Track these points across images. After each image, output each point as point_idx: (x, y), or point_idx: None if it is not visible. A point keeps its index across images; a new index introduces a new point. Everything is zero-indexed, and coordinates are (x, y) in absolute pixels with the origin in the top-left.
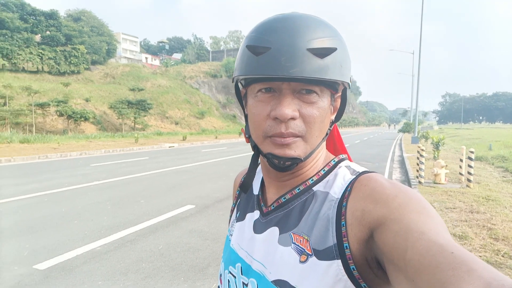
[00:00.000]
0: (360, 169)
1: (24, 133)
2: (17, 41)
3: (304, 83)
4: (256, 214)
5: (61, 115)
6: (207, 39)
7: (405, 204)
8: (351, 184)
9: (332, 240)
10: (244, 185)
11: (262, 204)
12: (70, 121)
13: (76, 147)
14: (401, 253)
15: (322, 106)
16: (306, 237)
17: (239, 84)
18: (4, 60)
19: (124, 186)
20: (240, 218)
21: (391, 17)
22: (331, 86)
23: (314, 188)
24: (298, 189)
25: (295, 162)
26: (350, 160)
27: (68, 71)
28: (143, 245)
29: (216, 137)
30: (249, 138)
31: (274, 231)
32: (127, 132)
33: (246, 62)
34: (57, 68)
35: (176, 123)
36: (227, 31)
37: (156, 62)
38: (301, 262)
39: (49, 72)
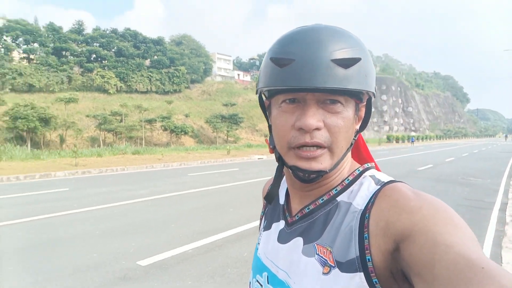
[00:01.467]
0: (386, 178)
1: (136, 146)
2: (131, 66)
3: (329, 93)
4: (281, 224)
5: (165, 129)
6: None
7: (431, 215)
8: (375, 195)
9: (355, 252)
10: (269, 196)
11: (287, 214)
12: (172, 135)
13: (177, 158)
14: (429, 267)
15: (346, 116)
16: (329, 249)
17: (263, 96)
18: (121, 83)
19: (216, 195)
20: (267, 227)
21: (500, 16)
22: (356, 95)
23: (338, 199)
24: (322, 200)
25: (320, 175)
26: (377, 169)
27: (171, 90)
28: (229, 251)
29: None
30: (273, 149)
31: (298, 241)
32: (221, 145)
33: (270, 74)
34: (162, 88)
35: (266, 136)
36: None
37: (247, 78)
38: (324, 273)
39: (156, 92)
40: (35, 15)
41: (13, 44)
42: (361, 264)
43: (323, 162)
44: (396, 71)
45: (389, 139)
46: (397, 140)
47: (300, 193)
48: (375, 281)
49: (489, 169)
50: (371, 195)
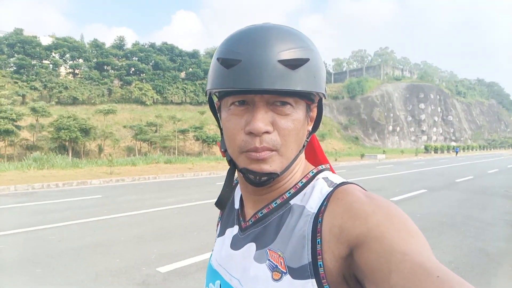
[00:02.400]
0: (339, 180)
1: (169, 155)
2: (167, 78)
3: (277, 95)
4: (235, 229)
5: (197, 139)
6: (329, 61)
7: (385, 221)
8: (327, 198)
9: (307, 258)
10: (219, 202)
11: (241, 219)
12: (204, 144)
13: (207, 168)
14: (385, 276)
15: (297, 117)
16: (281, 254)
17: (215, 97)
18: (157, 95)
19: None
20: (221, 233)
21: None
22: (306, 96)
23: (291, 202)
24: (275, 203)
25: (272, 177)
26: (332, 171)
27: (204, 101)
28: None
29: (336, 159)
30: (225, 152)
31: (251, 247)
32: None
33: (217, 75)
34: (196, 99)
35: None
36: (350, 52)
37: None
38: (274, 279)
39: (190, 103)
40: (82, 32)
41: (61, 60)
42: (313, 270)
43: (272, 165)
44: (435, 79)
45: (427, 149)
46: (435, 150)
47: (253, 197)
48: (326, 287)
49: None
50: (323, 198)
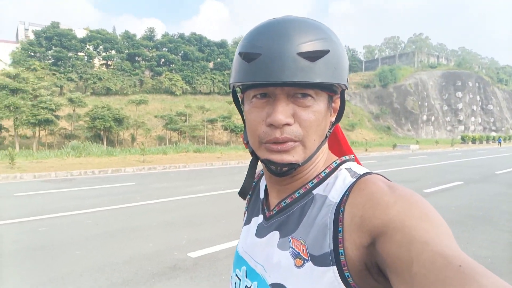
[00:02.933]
0: (362, 171)
1: (198, 144)
2: (196, 69)
3: (298, 87)
4: (260, 218)
5: (225, 129)
6: (360, 49)
7: (406, 211)
8: (350, 188)
9: (328, 246)
10: (242, 192)
11: (265, 208)
12: (232, 134)
13: (235, 157)
14: (406, 266)
15: (318, 109)
16: (303, 242)
17: (238, 91)
18: (187, 85)
19: None
20: (247, 221)
21: None
22: (327, 88)
23: (314, 192)
24: (298, 193)
25: (293, 167)
26: (357, 161)
27: None
28: None
29: (366, 150)
30: (247, 144)
31: (274, 235)
32: None
33: (238, 69)
34: (224, 89)
35: None
36: (382, 39)
37: None
38: (296, 266)
39: (218, 93)
40: (113, 24)
41: (95, 52)
42: (334, 258)
43: (295, 155)
44: (474, 66)
45: (464, 139)
46: (473, 141)
47: (277, 187)
48: (347, 275)
49: None
50: (346, 188)
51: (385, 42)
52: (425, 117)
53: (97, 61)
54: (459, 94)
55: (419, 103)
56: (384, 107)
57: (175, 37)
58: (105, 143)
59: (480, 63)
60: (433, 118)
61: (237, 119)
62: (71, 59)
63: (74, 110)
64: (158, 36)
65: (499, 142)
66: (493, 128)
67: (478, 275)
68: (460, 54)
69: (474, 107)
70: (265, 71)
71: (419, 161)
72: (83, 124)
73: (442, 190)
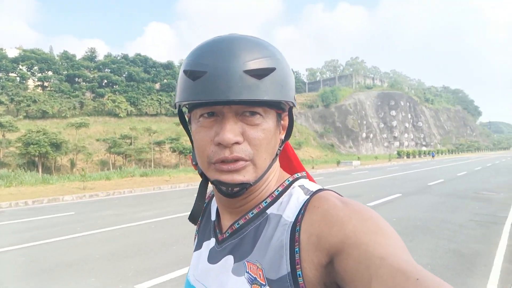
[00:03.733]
0: (315, 187)
1: (144, 168)
2: (141, 90)
3: (245, 105)
4: (212, 242)
5: (174, 151)
6: (303, 71)
7: (361, 226)
8: (304, 206)
9: (286, 268)
10: (192, 216)
11: (217, 231)
12: (181, 156)
13: (184, 179)
14: (366, 283)
15: (267, 127)
16: (259, 265)
17: (184, 110)
18: (131, 106)
19: None
20: (198, 247)
21: None
22: (276, 106)
23: (268, 211)
24: (252, 213)
25: (244, 187)
26: (309, 178)
27: None
28: None
29: (313, 167)
30: (196, 165)
31: (228, 260)
32: None
33: (184, 87)
34: (171, 110)
35: None
36: (323, 62)
37: None
38: None
39: (165, 114)
40: (51, 44)
41: (28, 73)
42: (292, 281)
43: (246, 175)
44: (404, 87)
45: (399, 154)
46: (407, 155)
47: (229, 209)
48: None
49: (502, 183)
50: (300, 206)
51: (326, 65)
52: (364, 135)
53: (31, 83)
54: (393, 112)
55: (359, 121)
56: (327, 126)
57: (119, 57)
58: (40, 170)
59: (409, 84)
60: (371, 135)
61: (185, 141)
62: (1, 80)
63: (3, 135)
64: (100, 57)
65: (432, 156)
66: (424, 143)
67: (434, 286)
68: (392, 76)
69: (407, 124)
70: (211, 89)
71: (361, 176)
72: (15, 150)
73: (383, 203)
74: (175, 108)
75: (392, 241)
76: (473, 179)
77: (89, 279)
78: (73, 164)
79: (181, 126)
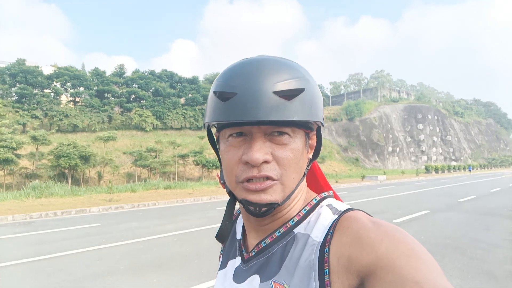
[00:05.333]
0: (343, 207)
1: (169, 180)
2: (167, 104)
3: (274, 126)
4: (237, 260)
5: (197, 164)
6: (327, 85)
7: (394, 248)
8: (333, 226)
9: None
10: (220, 235)
11: (243, 249)
12: (204, 169)
13: (207, 192)
14: None
15: (295, 147)
16: (286, 286)
17: (213, 129)
18: (157, 120)
19: None
20: (223, 265)
21: None
22: (304, 125)
23: (295, 230)
24: (279, 232)
25: (272, 207)
26: (336, 197)
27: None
28: None
29: (336, 182)
30: (224, 184)
31: (254, 279)
32: None
33: (213, 108)
34: (195, 124)
35: None
36: (347, 75)
37: None
38: None
39: (190, 128)
40: (83, 62)
41: (62, 88)
42: None
43: (273, 194)
44: (432, 100)
45: (427, 169)
46: (436, 170)
47: (256, 227)
48: None
49: None
50: (329, 226)
51: (350, 78)
52: (390, 149)
53: (64, 98)
54: (420, 126)
55: (384, 135)
56: (351, 139)
57: (146, 73)
58: (69, 182)
59: (437, 97)
60: (398, 149)
61: (208, 154)
62: (36, 96)
63: (37, 148)
64: (129, 73)
65: (470, 170)
66: (453, 157)
67: None
68: (418, 89)
69: (435, 138)
70: (241, 110)
71: (387, 191)
72: (47, 162)
73: (410, 220)
74: (204, 128)
75: (427, 265)
76: (508, 196)
77: None
78: (100, 176)
79: (205, 140)
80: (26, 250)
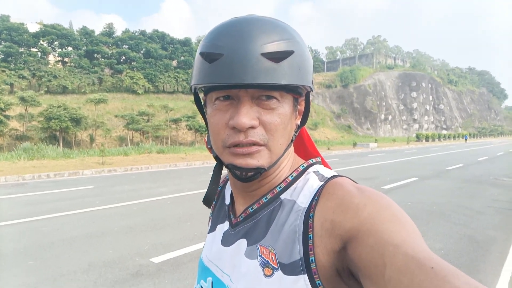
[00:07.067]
0: (329, 174)
1: (161, 145)
2: (159, 67)
3: (262, 89)
4: (226, 225)
5: (190, 129)
6: (322, 49)
7: (376, 214)
8: (318, 192)
9: (299, 253)
10: (207, 199)
11: (231, 215)
12: (197, 134)
13: (200, 157)
14: (379, 270)
15: (283, 112)
16: (272, 250)
17: (201, 94)
18: (149, 83)
19: None
20: (212, 229)
21: None
22: (292, 90)
23: (282, 197)
24: (266, 198)
25: (258, 172)
26: (324, 163)
27: None
28: None
29: (328, 148)
30: (211, 149)
31: (242, 243)
32: None
33: (200, 70)
34: (188, 88)
35: None
36: (343, 40)
37: None
38: (266, 276)
39: (182, 92)
40: (70, 20)
41: (49, 48)
42: (305, 266)
43: (260, 159)
44: (427, 67)
45: (418, 137)
46: (426, 138)
47: (243, 193)
48: (318, 283)
49: None
50: (314, 192)
51: (346, 43)
52: (383, 116)
53: (52, 58)
54: (414, 94)
55: (378, 102)
56: (345, 106)
57: (137, 34)
58: (61, 144)
59: (432, 65)
60: (390, 117)
61: (201, 119)
62: (23, 55)
63: (26, 109)
64: (118, 32)
65: (465, 139)
66: (444, 126)
67: (450, 276)
68: (414, 56)
69: (427, 107)
70: (228, 72)
71: (378, 159)
72: (37, 124)
73: (399, 187)
74: (191, 90)
75: (408, 229)
76: (494, 165)
77: (107, 251)
78: (92, 139)
79: None
80: (21, 210)
